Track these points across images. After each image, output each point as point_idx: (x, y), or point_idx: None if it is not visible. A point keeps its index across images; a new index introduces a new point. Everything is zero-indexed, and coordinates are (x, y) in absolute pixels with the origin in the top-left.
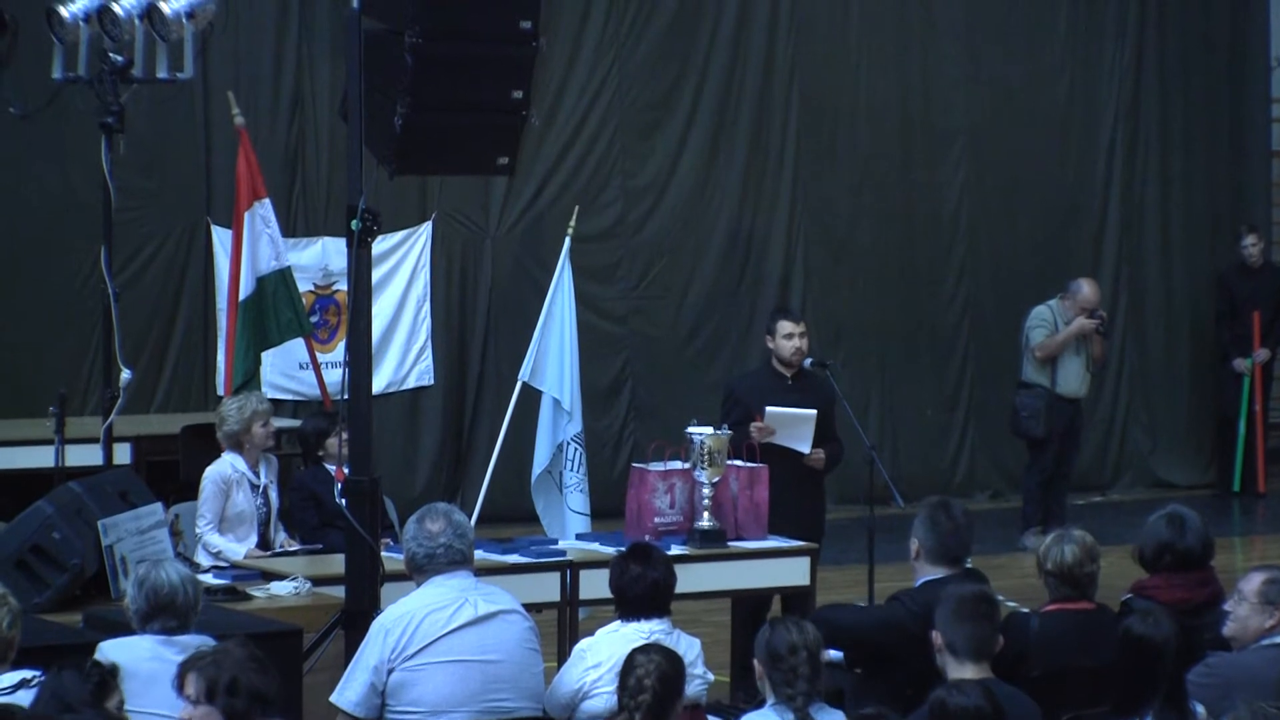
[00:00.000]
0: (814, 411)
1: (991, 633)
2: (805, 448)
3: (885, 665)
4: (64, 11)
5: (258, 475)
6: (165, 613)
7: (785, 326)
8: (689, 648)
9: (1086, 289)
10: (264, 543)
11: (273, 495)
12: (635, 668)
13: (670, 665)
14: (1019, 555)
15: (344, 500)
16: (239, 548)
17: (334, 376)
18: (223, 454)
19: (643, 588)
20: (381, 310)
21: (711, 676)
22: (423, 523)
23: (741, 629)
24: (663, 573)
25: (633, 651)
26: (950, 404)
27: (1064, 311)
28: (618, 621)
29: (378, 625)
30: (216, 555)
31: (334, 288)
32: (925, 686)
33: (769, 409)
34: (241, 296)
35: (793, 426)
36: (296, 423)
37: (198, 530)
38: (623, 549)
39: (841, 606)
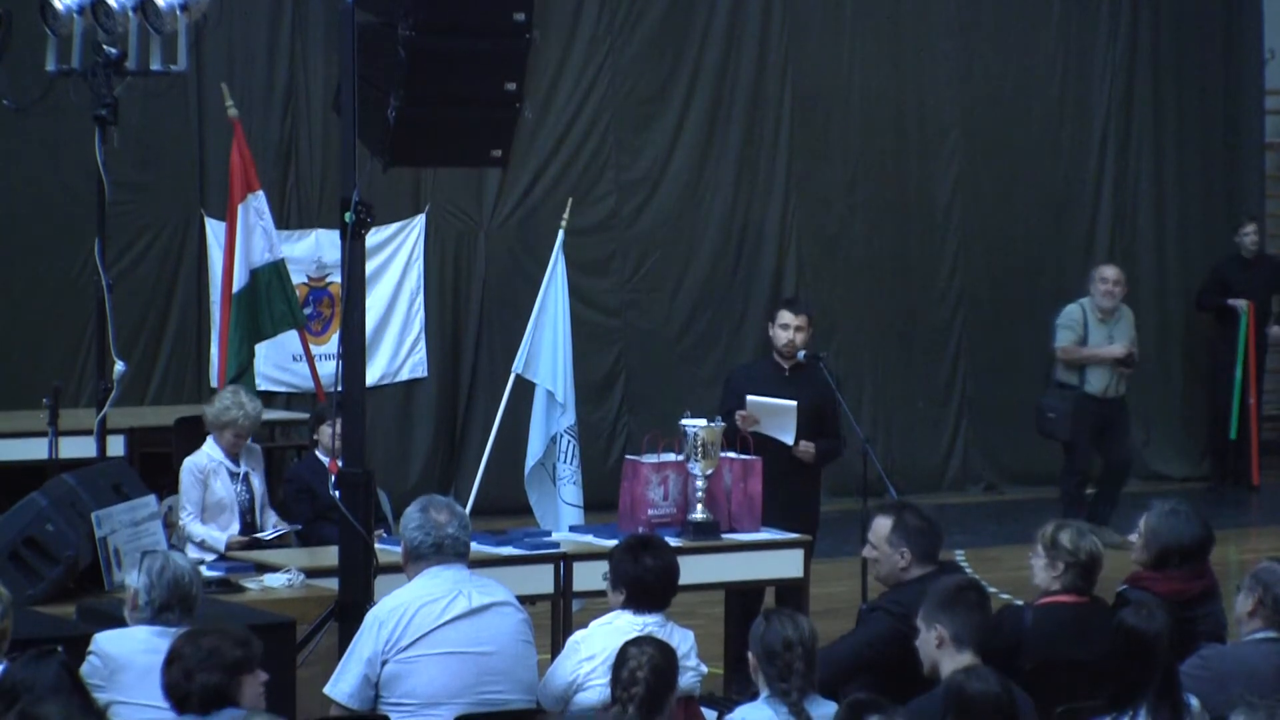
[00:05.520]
0: (794, 402)
1: (987, 619)
2: (788, 438)
3: (885, 671)
4: (58, 4)
5: (237, 463)
6: (182, 604)
7: (783, 316)
8: (682, 640)
9: (1107, 271)
10: (248, 530)
11: (255, 482)
12: (628, 660)
13: (663, 657)
14: (1012, 548)
15: (338, 493)
16: (221, 536)
17: (328, 369)
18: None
19: (656, 577)
20: (375, 303)
21: (705, 669)
22: (427, 512)
23: (735, 621)
24: (672, 559)
25: (625, 644)
26: (944, 397)
27: (1095, 298)
28: (612, 613)
29: (371, 617)
30: (200, 545)
31: (328, 280)
32: (917, 683)
33: (749, 398)
34: (235, 289)
35: (775, 416)
36: (287, 414)
37: (180, 521)
38: (620, 542)
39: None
